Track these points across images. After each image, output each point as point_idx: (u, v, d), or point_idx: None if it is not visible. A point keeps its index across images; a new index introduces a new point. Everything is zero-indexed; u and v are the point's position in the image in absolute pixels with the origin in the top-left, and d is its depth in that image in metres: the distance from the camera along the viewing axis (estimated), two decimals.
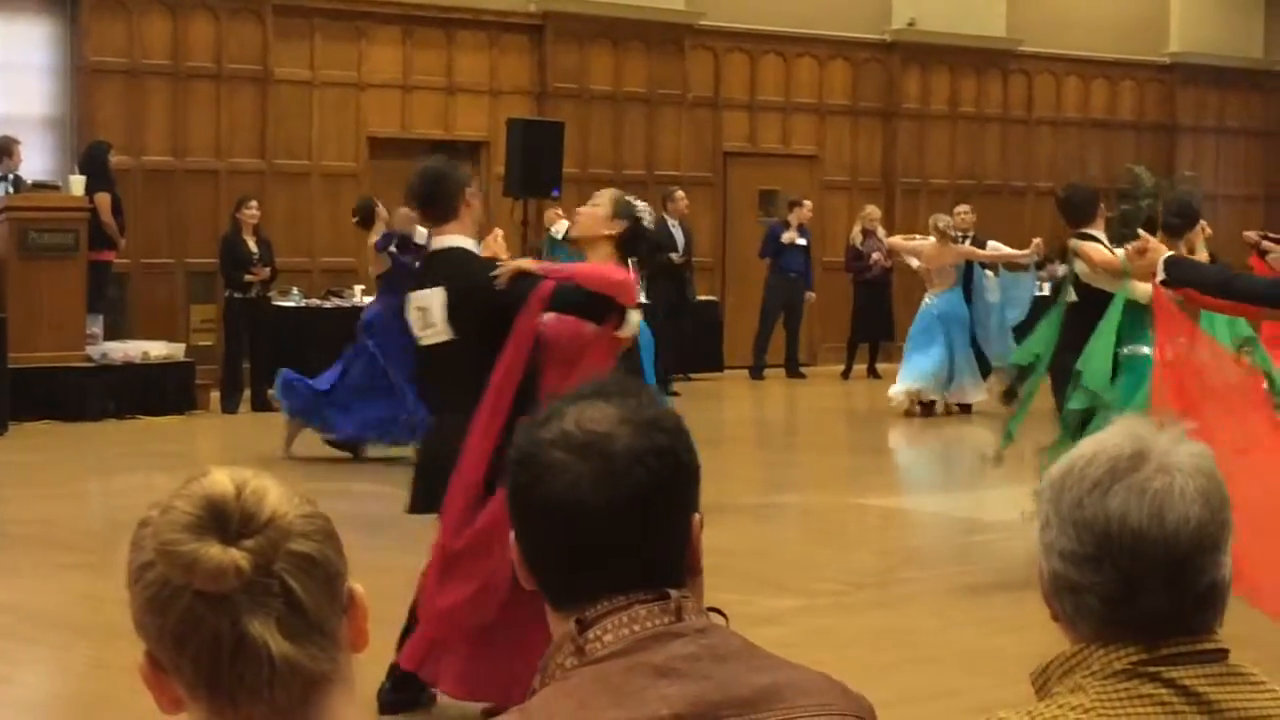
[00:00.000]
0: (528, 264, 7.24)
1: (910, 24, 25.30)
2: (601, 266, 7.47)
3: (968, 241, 19.02)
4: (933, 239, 18.62)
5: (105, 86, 19.81)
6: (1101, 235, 10.98)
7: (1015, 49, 26.32)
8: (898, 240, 20.01)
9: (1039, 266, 21.58)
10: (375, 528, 11.34)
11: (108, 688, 8.02)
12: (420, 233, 14.64)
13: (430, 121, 22.01)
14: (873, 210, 22.80)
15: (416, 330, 7.20)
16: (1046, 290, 19.92)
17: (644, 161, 23.25)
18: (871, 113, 25.47)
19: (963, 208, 20.13)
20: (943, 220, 18.82)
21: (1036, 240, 18.34)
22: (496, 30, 22.38)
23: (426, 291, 7.16)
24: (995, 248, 18.86)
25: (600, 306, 7.03)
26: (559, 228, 12.95)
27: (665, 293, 20.13)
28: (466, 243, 7.25)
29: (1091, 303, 10.39)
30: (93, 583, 10.31)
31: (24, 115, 19.23)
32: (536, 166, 19.79)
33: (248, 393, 18.14)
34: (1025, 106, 26.80)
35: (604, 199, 7.90)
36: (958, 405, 18.72)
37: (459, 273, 7.17)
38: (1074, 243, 10.82)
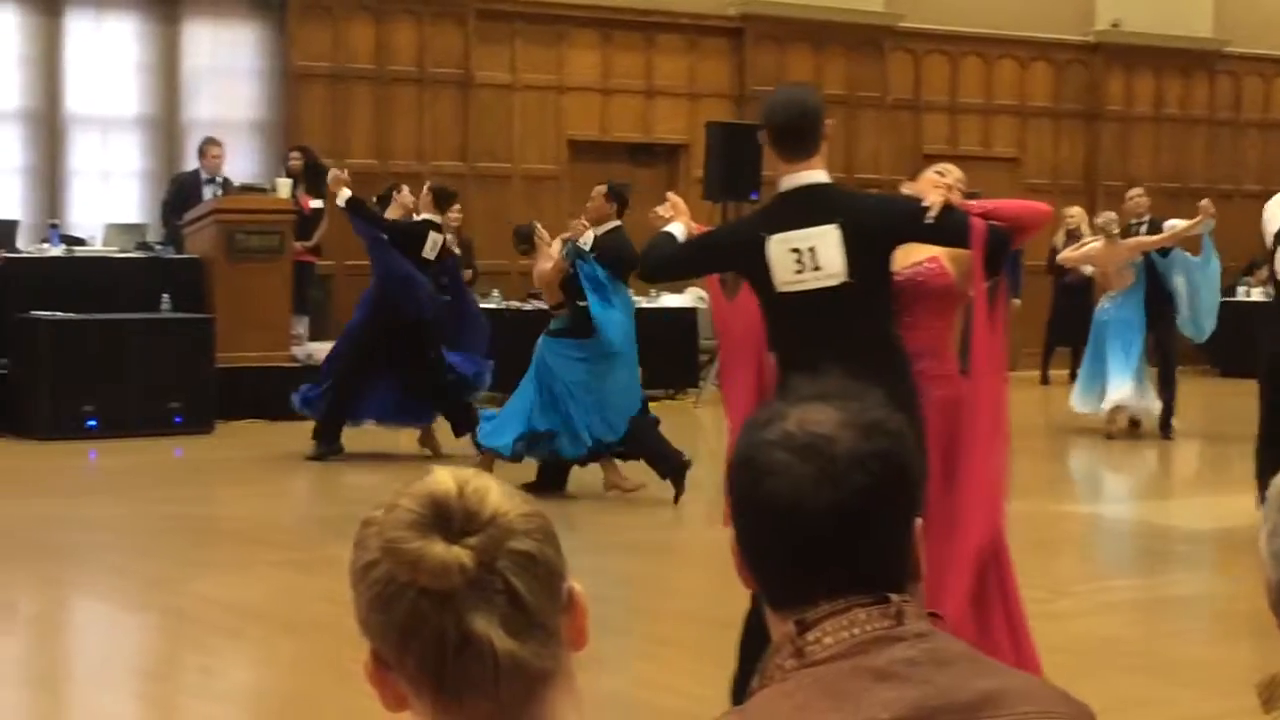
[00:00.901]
0: (951, 196, 6.42)
1: (1114, 25, 24.96)
2: (1022, 201, 6.92)
3: (1143, 229, 17.74)
4: (1101, 240, 17.47)
5: (311, 90, 20.12)
6: None
7: (1222, 49, 25.87)
8: (1067, 254, 19.04)
9: (1246, 272, 21.09)
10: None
11: (309, 683, 8.14)
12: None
13: (630, 124, 22.10)
14: (1078, 212, 22.43)
15: (787, 275, 6.24)
16: (1256, 296, 19.41)
17: (843, 164, 23.12)
18: (1074, 114, 25.16)
19: (1134, 191, 18.71)
20: (1102, 217, 17.55)
21: (1204, 202, 17.18)
22: (695, 33, 22.41)
23: (809, 230, 6.21)
24: (1171, 227, 17.46)
25: (1006, 255, 6.45)
26: (587, 238, 12.82)
27: None
28: (828, 177, 6.44)
29: None
30: (295, 579, 10.47)
31: (233, 119, 19.59)
32: (736, 170, 19.78)
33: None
34: (1233, 108, 26.33)
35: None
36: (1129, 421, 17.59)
37: (863, 207, 6.47)
38: None
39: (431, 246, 14.77)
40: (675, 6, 22.08)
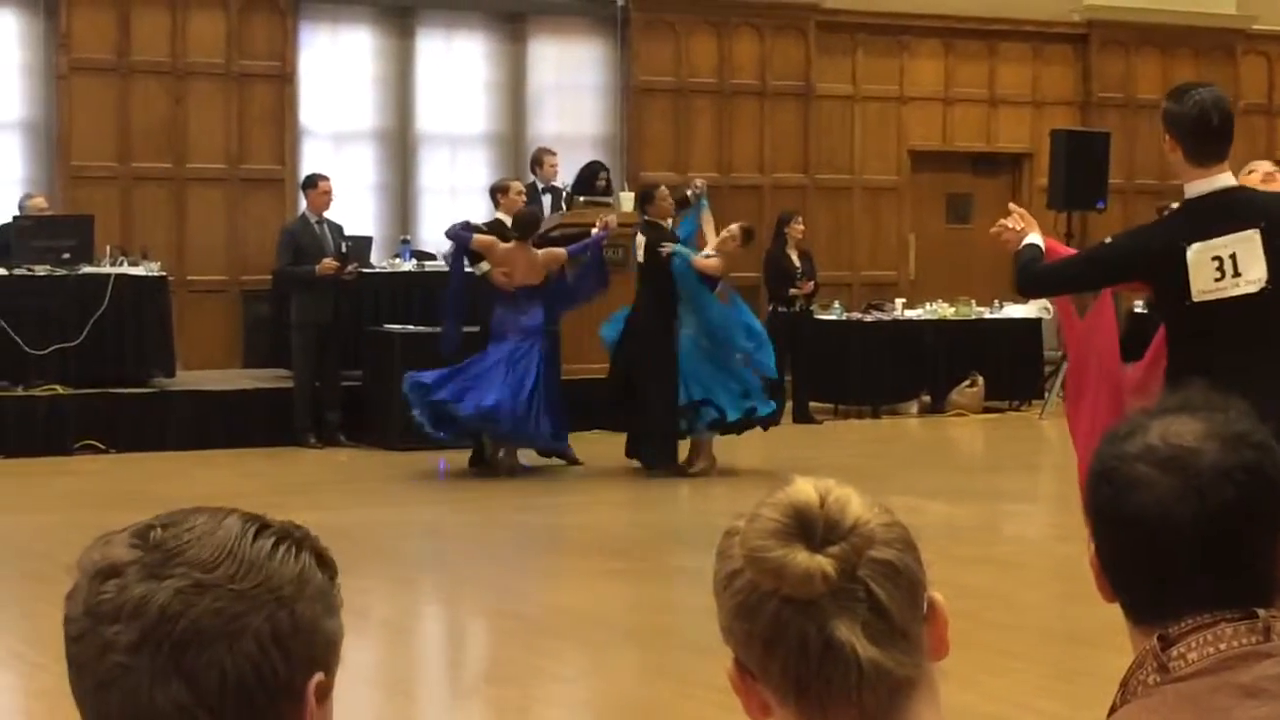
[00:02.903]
0: None
1: None
2: None
3: None
4: None
5: (654, 105, 20.32)
6: None
7: None
8: None
9: None
10: None
11: (652, 691, 8.21)
12: None
13: (972, 134, 21.90)
14: None
15: (1206, 283, 6.03)
16: None
17: None
18: None
19: None
20: None
21: None
22: (1039, 40, 22.12)
23: (1230, 236, 6.03)
24: None
25: None
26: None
27: None
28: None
29: None
30: (638, 588, 10.59)
31: (577, 134, 19.88)
32: (1081, 179, 19.49)
33: (789, 405, 18.31)
34: None
35: None
36: None
37: (1278, 207, 6.23)
38: None
39: None
40: (1019, 14, 21.82)
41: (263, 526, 1.77)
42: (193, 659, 1.67)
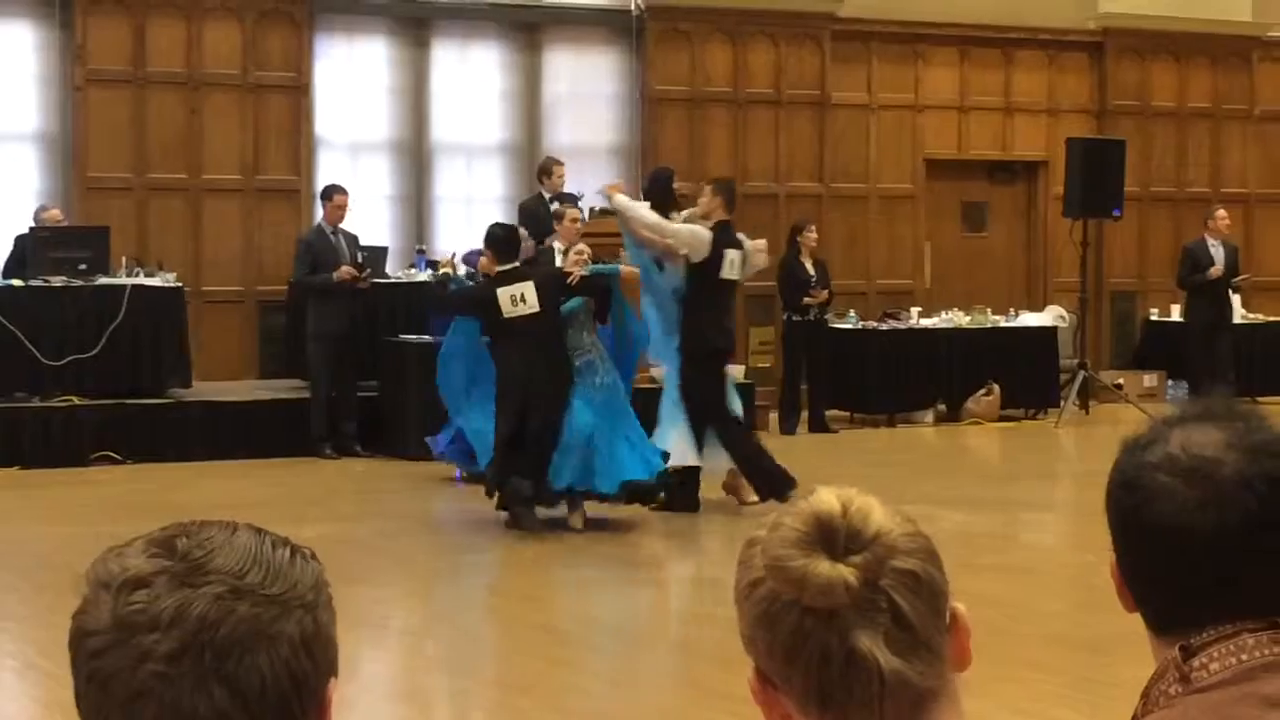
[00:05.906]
0: None
1: None
2: None
3: None
4: None
5: (669, 114, 20.32)
6: None
7: None
8: None
9: None
10: None
11: (671, 701, 8.19)
12: None
13: (987, 142, 21.88)
14: None
15: None
16: None
17: (1209, 179, 22.61)
18: None
19: None
20: None
21: None
22: (1055, 48, 22.10)
23: None
24: None
25: None
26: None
27: (1201, 311, 19.63)
28: None
29: None
30: (656, 597, 10.59)
31: (592, 144, 19.90)
32: (1097, 186, 19.48)
33: (805, 414, 18.32)
34: None
35: None
36: None
37: None
38: None
39: None
40: (1034, 21, 21.79)
41: (271, 536, 1.77)
42: (234, 665, 1.67)
